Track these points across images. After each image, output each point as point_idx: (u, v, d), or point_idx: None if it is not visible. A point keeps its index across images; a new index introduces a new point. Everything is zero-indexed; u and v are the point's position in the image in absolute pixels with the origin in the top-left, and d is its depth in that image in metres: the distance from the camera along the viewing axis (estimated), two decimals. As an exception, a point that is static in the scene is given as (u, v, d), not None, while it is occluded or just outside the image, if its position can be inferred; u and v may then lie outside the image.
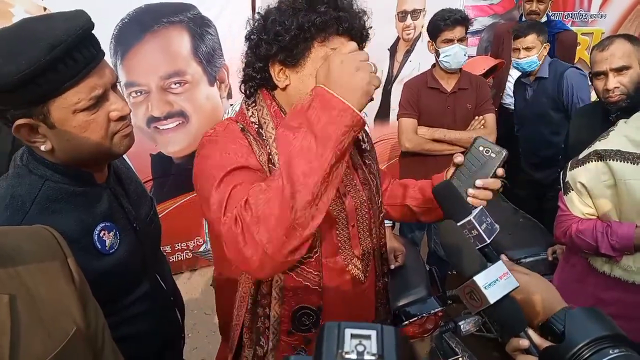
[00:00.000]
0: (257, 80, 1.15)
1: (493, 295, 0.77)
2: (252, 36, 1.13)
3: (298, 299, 1.15)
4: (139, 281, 1.17)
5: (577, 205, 1.60)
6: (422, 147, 2.58)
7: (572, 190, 1.60)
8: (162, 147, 3.06)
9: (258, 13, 1.14)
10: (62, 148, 0.99)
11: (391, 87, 3.82)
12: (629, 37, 1.87)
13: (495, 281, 0.78)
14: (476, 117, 2.60)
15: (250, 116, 1.15)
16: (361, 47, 1.11)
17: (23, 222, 0.94)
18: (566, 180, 1.62)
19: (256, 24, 1.13)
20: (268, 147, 1.10)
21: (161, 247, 1.38)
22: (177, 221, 3.09)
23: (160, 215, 1.36)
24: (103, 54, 1.00)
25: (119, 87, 1.07)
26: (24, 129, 0.95)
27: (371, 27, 1.13)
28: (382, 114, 3.83)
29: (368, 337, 0.33)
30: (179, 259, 3.33)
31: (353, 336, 0.33)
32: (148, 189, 3.03)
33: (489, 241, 0.88)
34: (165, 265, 1.36)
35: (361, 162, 1.27)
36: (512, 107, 3.66)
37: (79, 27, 0.92)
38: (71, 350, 0.72)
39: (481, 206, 0.94)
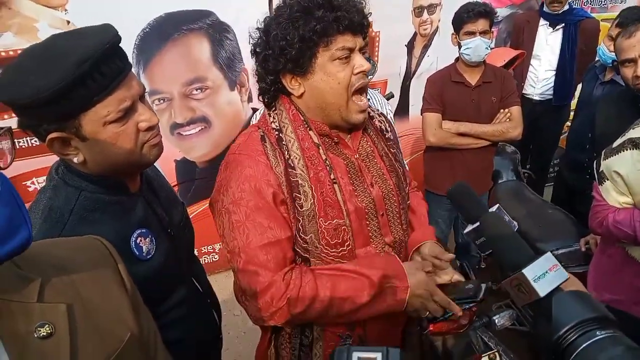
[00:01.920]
0: (272, 92, 1.19)
1: (543, 289, 0.76)
2: (257, 49, 1.17)
3: None
4: (176, 286, 1.19)
5: (613, 194, 1.57)
6: (447, 142, 2.57)
7: (608, 179, 1.57)
8: (186, 152, 3.09)
9: (258, 28, 1.16)
10: (94, 159, 1.01)
11: (409, 82, 3.79)
12: None
13: (544, 274, 0.77)
14: (502, 110, 2.57)
15: (272, 122, 1.18)
16: (364, 37, 1.14)
17: (62, 233, 0.96)
18: (600, 170, 1.59)
19: (258, 40, 1.16)
20: (287, 152, 1.14)
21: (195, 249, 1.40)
22: (203, 224, 3.11)
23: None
24: (130, 66, 1.02)
25: (146, 97, 1.09)
26: (57, 142, 0.97)
27: (370, 13, 1.15)
28: (402, 110, 3.81)
29: (374, 359, 0.34)
30: (206, 261, 3.36)
31: (360, 359, 0.35)
32: (175, 195, 3.09)
33: None
34: (200, 267, 1.38)
35: (387, 150, 1.29)
36: (535, 97, 3.63)
37: (106, 41, 0.94)
38: (126, 356, 0.73)
39: (497, 204, 0.94)
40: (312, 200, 1.12)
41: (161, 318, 1.13)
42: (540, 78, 3.58)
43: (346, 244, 1.16)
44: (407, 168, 1.42)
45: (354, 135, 1.24)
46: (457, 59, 2.62)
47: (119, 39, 0.98)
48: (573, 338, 0.71)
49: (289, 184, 1.12)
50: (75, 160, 1.00)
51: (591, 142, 2.47)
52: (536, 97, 3.62)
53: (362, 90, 1.16)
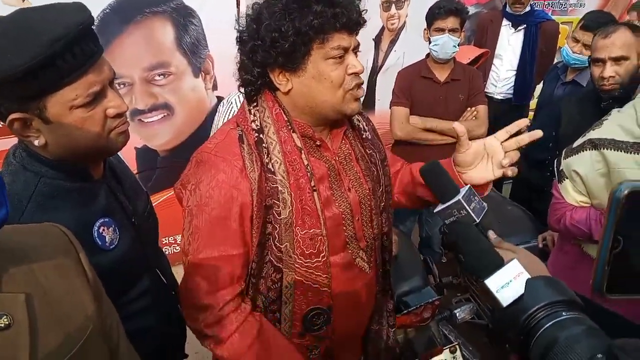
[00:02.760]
0: (257, 85, 1.12)
1: (505, 298, 0.77)
2: (243, 37, 1.10)
3: (308, 302, 1.15)
4: (140, 276, 1.16)
5: (571, 193, 1.62)
6: (413, 136, 2.59)
7: (567, 178, 1.62)
8: (147, 140, 2.99)
9: (248, 15, 1.10)
10: (57, 143, 0.96)
11: (376, 77, 3.82)
12: (632, 27, 1.89)
13: (508, 283, 0.77)
14: (468, 108, 2.62)
15: (252, 120, 1.11)
16: (356, 34, 1.10)
17: (20, 220, 0.91)
18: (560, 168, 1.64)
19: (247, 27, 1.09)
20: (266, 155, 1.08)
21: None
22: (165, 214, 3.02)
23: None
24: (102, 49, 0.97)
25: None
26: (18, 123, 0.92)
27: (365, 10, 1.11)
28: (368, 104, 3.83)
29: None
30: (167, 252, 3.27)
31: None
32: (136, 183, 2.99)
33: (477, 220, 0.88)
34: (164, 259, 1.34)
35: (363, 153, 1.25)
36: (496, 96, 3.72)
37: (81, 21, 0.89)
38: (89, 347, 0.71)
39: (468, 185, 0.95)
40: (291, 208, 1.08)
41: (124, 309, 1.08)
42: (501, 77, 3.68)
43: (321, 254, 1.13)
44: (389, 154, 1.38)
45: (334, 135, 1.20)
46: (427, 55, 2.65)
47: (92, 20, 0.93)
48: (540, 318, 0.73)
49: (261, 192, 1.07)
50: (35, 143, 0.95)
51: (554, 141, 2.55)
52: (497, 96, 3.71)
53: (357, 86, 1.11)
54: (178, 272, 1.34)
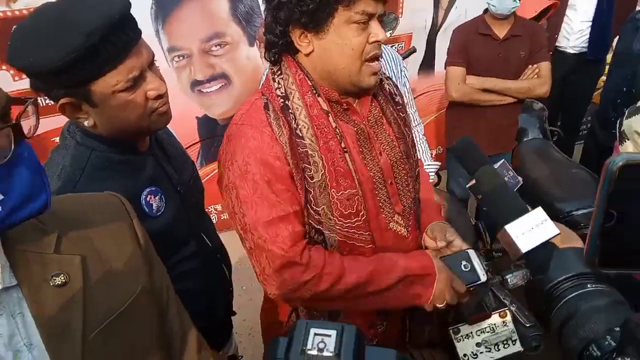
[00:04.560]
0: (279, 47, 1.12)
1: (525, 245, 0.75)
2: None
3: None
4: (186, 241, 1.23)
5: (634, 155, 1.51)
6: (470, 98, 2.50)
7: (628, 139, 1.51)
8: (207, 109, 3.11)
9: None
10: (104, 123, 1.04)
11: (435, 36, 3.66)
12: None
13: (530, 230, 0.76)
14: (530, 66, 2.47)
15: (277, 88, 1.12)
16: (383, 1, 1.07)
17: (74, 190, 1.00)
18: (622, 129, 1.53)
19: None
20: (294, 120, 1.09)
21: (211, 206, 1.44)
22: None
23: (208, 176, 1.42)
24: (140, 33, 1.02)
25: (167, 57, 1.10)
26: (68, 107, 1.00)
27: None
28: (427, 65, 3.70)
29: (329, 335, 0.38)
30: (222, 219, 3.44)
31: (316, 334, 0.38)
32: (195, 152, 3.14)
33: None
34: (210, 224, 1.41)
35: (396, 116, 1.23)
36: (568, 50, 3.46)
37: (116, 12, 0.93)
38: (136, 308, 0.77)
39: (503, 160, 0.92)
40: (323, 171, 1.09)
41: (173, 270, 1.16)
42: (575, 29, 3.39)
43: (360, 214, 1.13)
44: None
45: (362, 101, 1.18)
46: (485, 10, 2.51)
47: (129, 6, 0.97)
48: (564, 289, 0.72)
49: (295, 155, 1.08)
50: (85, 123, 1.04)
51: (625, 98, 2.35)
52: (570, 50, 3.45)
53: (375, 58, 1.10)
54: (224, 238, 1.42)
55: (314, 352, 0.37)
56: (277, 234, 1.07)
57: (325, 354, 0.37)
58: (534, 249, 0.76)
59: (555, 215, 2.09)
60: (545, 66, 2.47)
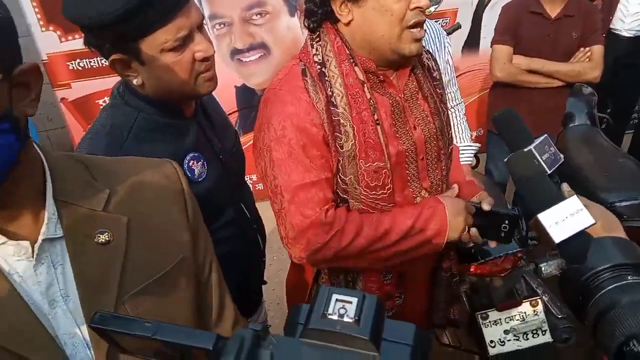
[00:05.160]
0: (319, 15, 1.11)
1: (559, 234, 0.73)
2: None
3: None
4: (224, 208, 1.24)
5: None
6: (515, 78, 2.41)
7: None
8: (245, 79, 3.12)
9: None
10: (151, 84, 1.06)
11: (483, 12, 3.52)
12: None
13: (565, 219, 0.73)
14: (581, 49, 2.35)
15: (315, 54, 1.13)
16: None
17: (121, 150, 1.03)
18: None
19: None
20: (330, 88, 1.09)
21: (247, 176, 1.45)
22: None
23: (245, 146, 1.43)
24: None
25: (208, 25, 1.10)
26: (118, 63, 1.02)
27: None
28: (472, 42, 3.57)
29: (350, 302, 0.38)
30: (257, 189, 3.48)
31: (338, 300, 0.38)
32: (233, 121, 3.17)
33: (549, 172, 0.83)
34: (250, 195, 1.43)
35: (432, 92, 1.22)
36: (623, 33, 3.26)
37: None
38: (174, 276, 0.78)
39: (545, 135, 0.88)
40: (353, 141, 1.10)
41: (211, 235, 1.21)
42: (631, 11, 3.19)
43: (386, 187, 1.14)
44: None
45: (400, 73, 1.17)
46: (538, -13, 2.39)
47: None
48: (602, 280, 0.69)
49: (330, 122, 1.09)
50: (134, 82, 1.05)
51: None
52: (625, 33, 3.25)
53: (417, 25, 1.07)
54: (258, 207, 1.43)
55: (335, 317, 0.38)
56: (308, 198, 1.10)
57: (345, 319, 0.37)
58: (569, 238, 0.73)
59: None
60: (597, 49, 2.35)
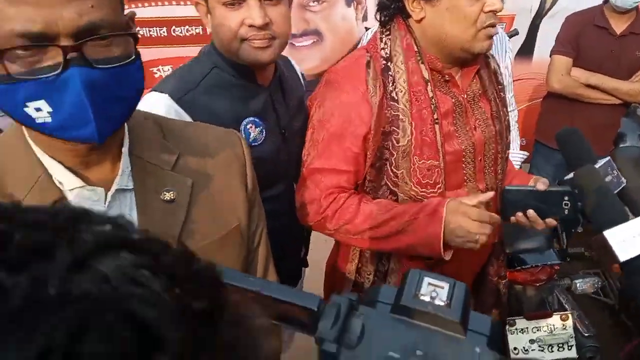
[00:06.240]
0: (390, 10, 1.13)
1: (624, 253, 0.72)
2: None
3: None
4: (275, 182, 1.26)
5: None
6: (572, 91, 2.36)
7: None
8: (296, 63, 3.13)
9: None
10: (213, 35, 1.15)
11: (540, 21, 3.44)
12: None
13: (632, 237, 0.72)
14: None
15: (382, 48, 1.15)
16: None
17: (187, 95, 1.10)
18: None
19: None
20: (392, 83, 1.11)
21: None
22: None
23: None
24: None
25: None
26: (199, 7, 1.15)
27: None
28: (526, 51, 3.49)
29: (442, 287, 0.40)
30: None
31: (429, 284, 0.40)
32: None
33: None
34: None
35: (496, 95, 1.23)
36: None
37: None
38: (227, 242, 0.81)
39: (608, 158, 0.88)
40: (410, 137, 1.12)
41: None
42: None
43: (437, 186, 1.15)
44: None
45: (465, 73, 1.18)
46: (605, 1, 2.32)
47: None
48: None
49: (380, 117, 1.11)
50: (208, 29, 1.18)
51: None
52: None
53: (491, 26, 1.08)
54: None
55: (427, 299, 0.39)
56: (321, 180, 1.16)
57: (437, 302, 0.39)
58: (634, 257, 0.73)
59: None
60: None
